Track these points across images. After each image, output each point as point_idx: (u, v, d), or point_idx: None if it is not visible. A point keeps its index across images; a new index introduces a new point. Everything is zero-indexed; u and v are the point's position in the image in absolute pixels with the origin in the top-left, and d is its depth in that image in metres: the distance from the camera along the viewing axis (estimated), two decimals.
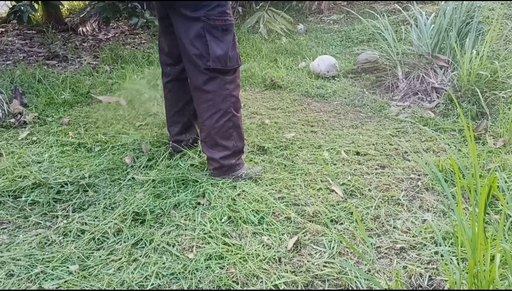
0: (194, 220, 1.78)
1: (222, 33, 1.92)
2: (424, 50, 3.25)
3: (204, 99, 1.98)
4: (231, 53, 1.94)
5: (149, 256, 1.59)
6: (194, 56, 1.93)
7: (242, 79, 3.22)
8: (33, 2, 3.83)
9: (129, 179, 2.07)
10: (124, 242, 1.66)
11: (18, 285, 1.46)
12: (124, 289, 1.45)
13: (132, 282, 1.47)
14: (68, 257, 1.58)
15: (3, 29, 4.82)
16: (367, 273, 1.52)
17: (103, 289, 1.45)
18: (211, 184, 2.00)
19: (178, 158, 2.22)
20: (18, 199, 1.92)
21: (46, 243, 1.66)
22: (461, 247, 1.36)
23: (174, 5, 1.91)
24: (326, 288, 1.46)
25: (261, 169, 2.12)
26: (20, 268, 1.53)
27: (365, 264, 1.55)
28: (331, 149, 2.35)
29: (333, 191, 1.97)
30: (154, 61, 3.85)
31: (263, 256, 1.58)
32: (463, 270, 1.22)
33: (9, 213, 1.83)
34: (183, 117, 2.24)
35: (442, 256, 1.56)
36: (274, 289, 1.45)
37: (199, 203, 1.89)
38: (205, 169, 2.10)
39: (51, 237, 1.68)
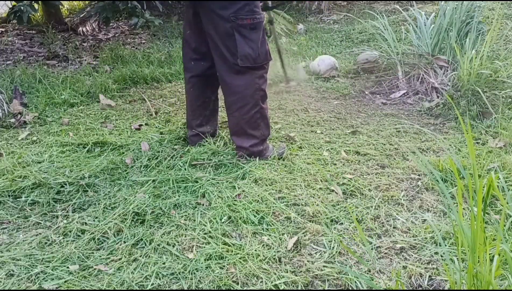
0: (194, 220, 1.78)
1: (251, 32, 1.98)
2: (424, 50, 3.25)
3: (233, 92, 2.09)
4: (260, 51, 2.02)
5: (149, 256, 1.59)
6: (224, 52, 2.02)
7: None
8: (33, 2, 3.82)
9: (129, 179, 2.07)
10: (124, 242, 1.66)
11: (18, 285, 1.46)
12: (124, 289, 1.45)
13: (132, 282, 1.47)
14: (68, 257, 1.58)
15: (3, 29, 4.82)
16: (367, 273, 1.52)
17: (103, 289, 1.45)
18: (211, 184, 2.01)
19: (178, 157, 2.23)
20: (18, 199, 1.92)
21: (46, 243, 1.66)
22: (461, 247, 1.36)
23: (204, 3, 1.97)
24: (326, 288, 1.46)
25: (284, 145, 2.30)
26: (20, 268, 1.53)
27: (366, 264, 1.55)
28: (331, 148, 2.35)
29: (333, 191, 1.97)
30: (154, 61, 3.85)
31: (263, 256, 1.58)
32: (463, 270, 1.22)
33: (9, 213, 1.83)
34: (205, 110, 2.32)
35: (442, 256, 1.56)
36: (274, 289, 1.45)
37: (199, 203, 1.89)
38: (205, 170, 2.11)
39: (51, 237, 1.68)
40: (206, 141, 2.35)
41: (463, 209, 1.81)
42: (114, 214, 1.80)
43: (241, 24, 1.96)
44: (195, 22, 2.15)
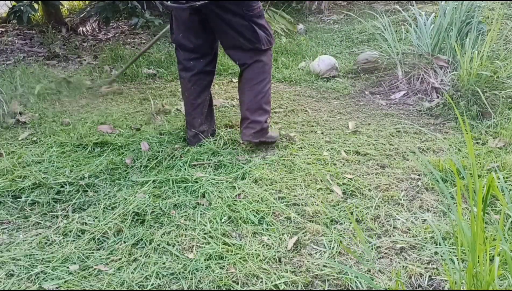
0: (194, 220, 1.78)
1: (259, 19, 2.25)
2: (424, 50, 3.25)
3: (253, 70, 2.30)
4: (270, 32, 2.30)
5: (149, 256, 1.59)
6: (242, 42, 2.24)
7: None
8: (33, 2, 3.82)
9: (129, 179, 2.07)
10: (124, 242, 1.66)
11: (18, 285, 1.46)
12: (124, 289, 1.45)
13: (132, 282, 1.47)
14: (68, 257, 1.58)
15: (3, 29, 4.82)
16: (367, 273, 1.52)
17: (103, 289, 1.45)
18: (211, 184, 2.01)
19: (178, 157, 2.23)
20: (18, 199, 1.92)
21: (46, 243, 1.66)
22: (461, 247, 1.36)
23: (220, 4, 2.14)
24: (326, 288, 1.46)
25: (277, 134, 2.42)
26: (20, 268, 1.53)
27: (366, 264, 1.55)
28: (331, 148, 2.35)
29: (333, 191, 1.97)
30: (154, 61, 3.85)
31: (263, 256, 1.58)
32: (463, 270, 1.22)
33: (9, 213, 1.83)
34: (203, 108, 2.41)
35: (442, 256, 1.56)
36: (274, 289, 1.45)
37: (199, 203, 1.89)
38: (205, 170, 2.11)
39: (51, 237, 1.68)
40: (206, 141, 2.35)
41: (463, 209, 1.81)
42: (114, 214, 1.80)
43: (252, 14, 2.20)
44: (192, 24, 2.24)
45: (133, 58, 3.52)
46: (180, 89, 3.23)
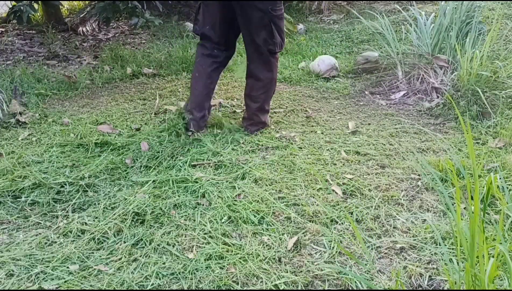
0: (194, 220, 1.78)
1: (280, 21, 2.33)
2: (424, 50, 3.25)
3: (264, 76, 2.43)
4: (283, 37, 2.39)
5: (149, 256, 1.59)
6: (257, 41, 2.32)
7: (241, 79, 3.23)
8: (32, 2, 3.82)
9: (129, 179, 2.07)
10: (124, 242, 1.66)
11: (18, 285, 1.46)
12: (124, 289, 1.45)
13: (132, 282, 1.47)
14: (68, 257, 1.58)
15: (3, 29, 4.82)
16: (367, 273, 1.52)
17: (103, 289, 1.45)
18: (211, 184, 2.01)
19: (178, 157, 2.23)
20: (18, 199, 1.92)
21: (46, 243, 1.66)
22: (461, 247, 1.36)
23: None
24: (326, 288, 1.46)
25: (269, 119, 2.64)
26: (20, 268, 1.53)
27: (365, 264, 1.55)
28: (331, 148, 2.35)
29: (333, 191, 1.97)
30: (153, 61, 3.85)
31: (263, 256, 1.58)
32: (463, 270, 1.22)
33: (9, 213, 1.83)
34: (211, 93, 2.56)
35: (442, 255, 1.56)
36: (274, 289, 1.45)
37: (199, 203, 1.89)
38: (205, 170, 2.11)
39: (51, 237, 1.68)
40: (207, 141, 2.35)
41: (463, 209, 1.81)
42: (114, 214, 1.80)
43: (275, 15, 2.27)
44: (222, 16, 2.36)
45: None
46: (180, 89, 3.24)
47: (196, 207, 1.87)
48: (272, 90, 2.54)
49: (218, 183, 2.02)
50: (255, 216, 1.79)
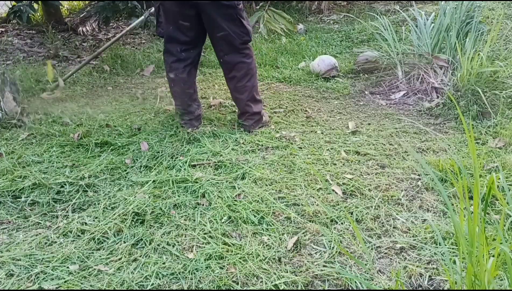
0: (194, 220, 1.78)
1: (243, 13, 2.39)
2: (424, 50, 3.25)
3: (243, 66, 2.45)
4: (249, 24, 2.45)
5: (149, 256, 1.59)
6: (231, 35, 2.36)
7: None
8: (32, 2, 3.82)
9: (129, 179, 2.07)
10: (124, 242, 1.66)
11: (18, 285, 1.46)
12: (124, 289, 1.45)
13: (132, 282, 1.47)
14: (68, 257, 1.58)
15: (3, 29, 4.82)
16: (367, 273, 1.52)
17: (103, 289, 1.45)
18: (211, 184, 2.01)
19: (178, 158, 2.23)
20: (18, 199, 1.92)
21: (46, 243, 1.66)
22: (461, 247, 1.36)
23: None
24: (326, 288, 1.46)
25: (267, 116, 2.69)
26: (20, 268, 1.53)
27: (365, 264, 1.55)
28: (331, 148, 2.35)
29: (333, 190, 1.97)
30: (154, 61, 3.85)
31: (263, 256, 1.58)
32: (463, 270, 1.22)
33: (9, 213, 1.83)
34: (195, 94, 2.57)
35: (442, 255, 1.56)
36: (274, 289, 1.45)
37: (199, 203, 1.89)
38: (205, 170, 2.11)
39: (51, 237, 1.68)
40: (207, 140, 2.35)
41: (464, 208, 1.81)
42: (114, 214, 1.80)
43: (239, 8, 2.34)
44: (184, 18, 2.34)
45: (83, 62, 3.37)
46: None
47: (196, 207, 1.87)
48: (255, 77, 2.55)
49: (218, 183, 2.02)
50: (255, 216, 1.79)
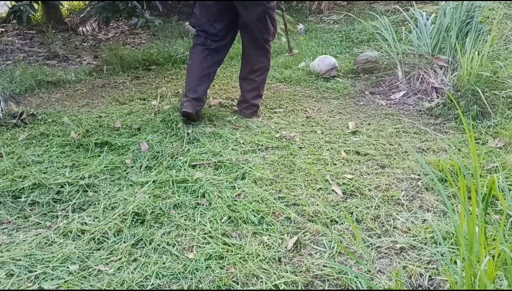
0: (194, 220, 1.78)
1: (273, 12, 2.54)
2: (424, 50, 3.25)
3: (259, 61, 2.65)
4: (275, 26, 2.60)
5: (149, 256, 1.59)
6: (255, 33, 2.55)
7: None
8: (32, 2, 3.82)
9: (129, 179, 2.07)
10: (124, 242, 1.66)
11: (18, 285, 1.46)
12: (124, 289, 1.45)
13: (132, 282, 1.47)
14: (68, 257, 1.58)
15: (3, 29, 4.82)
16: (367, 273, 1.52)
17: (103, 289, 1.45)
18: (211, 184, 2.01)
19: (178, 157, 2.23)
20: (18, 199, 1.92)
21: (46, 243, 1.66)
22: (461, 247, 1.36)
23: None
24: (326, 288, 1.46)
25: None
26: (20, 268, 1.53)
27: (365, 264, 1.55)
28: (331, 148, 2.35)
29: (333, 190, 1.97)
30: (154, 61, 3.85)
31: (263, 256, 1.58)
32: (463, 270, 1.22)
33: (9, 213, 1.83)
34: (209, 80, 2.66)
35: (442, 255, 1.56)
36: (274, 289, 1.45)
37: (199, 203, 1.89)
38: (205, 170, 2.11)
39: (51, 237, 1.68)
40: (207, 140, 2.34)
41: (464, 208, 1.80)
42: (114, 214, 1.80)
43: (269, 6, 2.48)
44: (217, 11, 2.52)
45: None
46: (180, 89, 3.24)
47: (196, 207, 1.86)
48: (266, 75, 2.75)
49: (218, 183, 2.02)
50: (255, 216, 1.79)
